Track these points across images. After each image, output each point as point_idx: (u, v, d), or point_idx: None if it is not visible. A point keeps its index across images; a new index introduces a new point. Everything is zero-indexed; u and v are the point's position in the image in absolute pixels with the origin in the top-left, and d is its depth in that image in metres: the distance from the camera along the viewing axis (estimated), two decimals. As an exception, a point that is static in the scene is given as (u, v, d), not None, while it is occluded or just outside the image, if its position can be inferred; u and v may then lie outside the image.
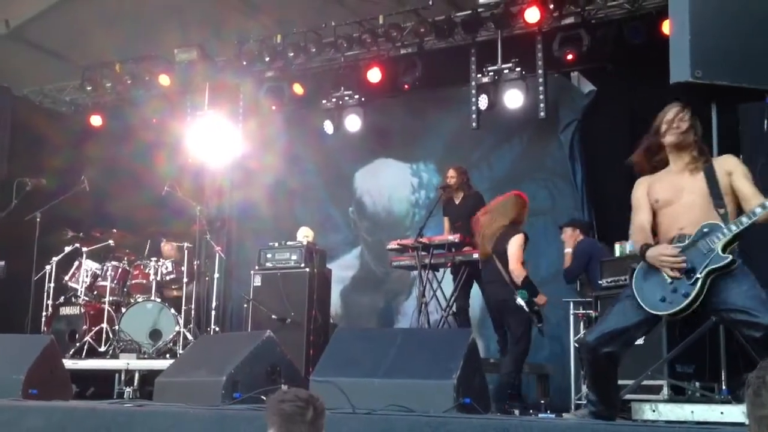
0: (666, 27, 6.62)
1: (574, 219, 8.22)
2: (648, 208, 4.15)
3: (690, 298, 3.83)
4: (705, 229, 3.92)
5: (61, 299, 8.75)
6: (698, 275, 3.82)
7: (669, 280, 3.91)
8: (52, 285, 8.72)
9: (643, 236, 4.10)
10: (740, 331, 3.89)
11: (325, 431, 2.83)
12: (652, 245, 4.02)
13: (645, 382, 5.51)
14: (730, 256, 3.81)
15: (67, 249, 8.87)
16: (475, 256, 7.27)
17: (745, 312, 3.73)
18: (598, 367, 4.14)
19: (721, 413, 4.08)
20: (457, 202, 7.99)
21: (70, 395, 5.89)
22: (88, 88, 10.81)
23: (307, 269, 7.86)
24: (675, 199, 4.05)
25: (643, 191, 4.21)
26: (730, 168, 4.02)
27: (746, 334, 3.78)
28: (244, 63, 9.93)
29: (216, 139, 10.13)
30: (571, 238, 7.75)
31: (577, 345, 6.65)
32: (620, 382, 5.25)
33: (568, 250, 7.67)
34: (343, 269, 10.16)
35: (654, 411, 4.32)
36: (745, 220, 3.81)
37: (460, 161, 8.79)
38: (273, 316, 7.65)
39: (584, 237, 7.78)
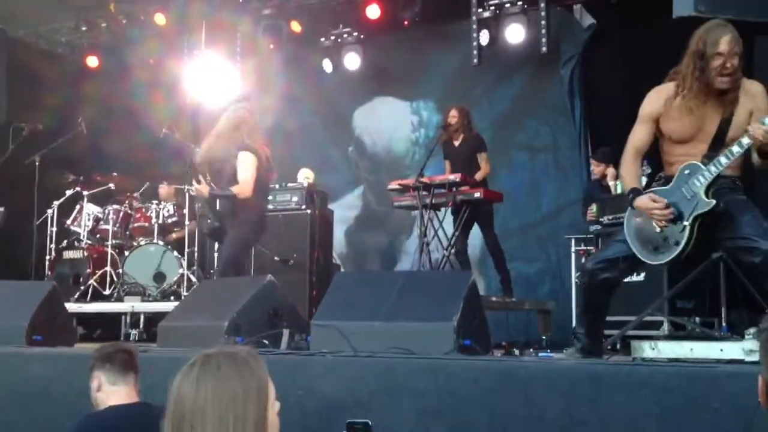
0: (670, -42, 6.45)
1: (603, 151, 8.03)
2: (649, 131, 4.04)
3: (681, 246, 3.85)
4: (686, 171, 3.89)
5: (64, 243, 8.78)
6: (686, 222, 3.83)
7: (659, 229, 3.92)
8: (54, 229, 8.74)
9: (632, 171, 4.07)
10: (740, 259, 3.89)
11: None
12: (639, 191, 4.00)
13: (645, 319, 5.54)
14: (714, 201, 3.78)
15: (68, 193, 8.86)
16: (477, 195, 7.25)
17: (745, 238, 3.74)
18: (594, 292, 4.17)
19: (721, 350, 4.08)
20: (456, 144, 7.92)
21: (75, 340, 5.95)
22: (84, 29, 10.67)
23: (309, 211, 7.84)
24: (691, 138, 3.95)
25: (653, 111, 4.01)
26: (753, 107, 3.84)
27: (746, 260, 3.79)
28: (241, 0, 9.75)
29: (214, 79, 10.01)
30: (600, 172, 7.64)
31: (577, 281, 6.68)
32: (622, 318, 5.32)
33: (612, 182, 7.41)
34: (345, 209, 10.17)
35: (653, 349, 4.33)
36: (723, 160, 3.75)
37: (461, 99, 8.70)
38: (275, 258, 7.67)
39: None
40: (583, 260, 7.00)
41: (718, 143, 3.87)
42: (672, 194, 3.93)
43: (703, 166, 3.84)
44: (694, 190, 3.83)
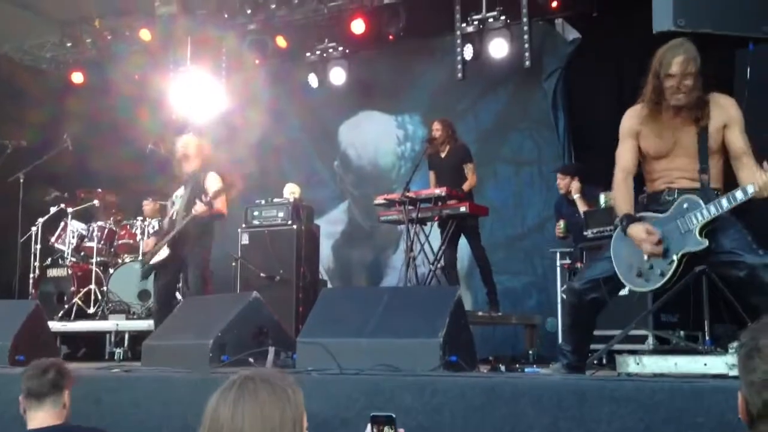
0: (651, -27, 6.51)
1: (568, 165, 8.09)
2: (633, 149, 4.08)
3: (666, 278, 3.86)
4: (684, 205, 3.89)
5: (48, 261, 8.74)
6: (674, 257, 3.83)
7: (646, 257, 3.92)
8: (38, 246, 8.70)
9: (624, 195, 4.07)
10: (725, 273, 3.91)
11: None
12: (633, 217, 3.99)
13: (630, 333, 5.55)
14: (706, 242, 3.79)
15: (53, 210, 8.81)
16: (462, 209, 7.27)
17: (729, 252, 3.77)
18: (580, 313, 4.18)
19: (705, 365, 4.10)
20: (443, 155, 7.95)
21: (58, 360, 5.88)
22: (68, 45, 10.68)
23: (295, 226, 7.83)
24: (667, 152, 3.99)
25: (630, 129, 4.09)
26: (726, 120, 3.90)
27: (730, 274, 3.81)
28: (226, 16, 9.78)
29: (199, 94, 10.01)
30: (565, 185, 7.62)
31: (564, 295, 6.69)
32: (606, 332, 5.33)
33: (577, 195, 7.43)
34: (331, 224, 10.18)
35: (638, 364, 4.34)
36: (725, 204, 3.76)
37: (446, 112, 8.74)
38: (261, 274, 7.65)
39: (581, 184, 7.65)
40: (567, 278, 7.01)
41: (702, 156, 3.90)
42: (666, 224, 3.93)
43: (702, 204, 3.84)
44: (689, 227, 3.84)
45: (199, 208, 6.18)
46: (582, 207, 7.27)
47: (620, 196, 4.11)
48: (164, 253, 6.41)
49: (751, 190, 3.73)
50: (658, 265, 3.88)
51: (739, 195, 3.75)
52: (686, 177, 3.96)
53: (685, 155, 3.95)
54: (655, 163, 4.05)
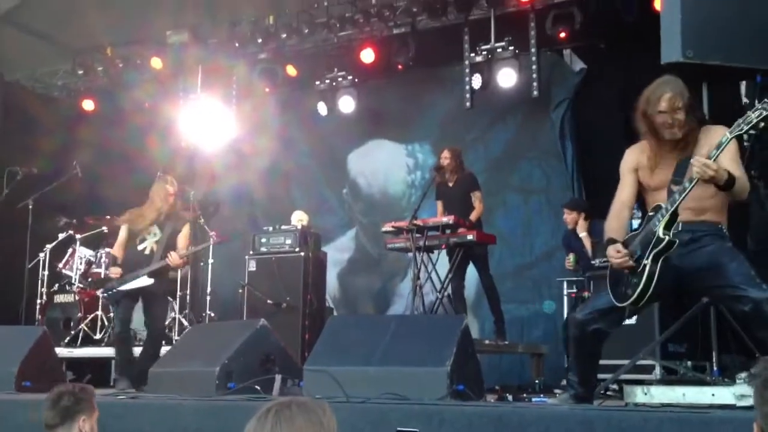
0: (658, 3, 6.57)
1: (576, 200, 8.09)
2: (631, 184, 4.16)
3: (639, 286, 3.85)
4: (651, 213, 3.97)
5: (56, 287, 8.75)
6: (645, 261, 3.85)
7: (627, 271, 3.97)
8: (46, 272, 8.72)
9: (614, 224, 4.14)
10: (730, 307, 3.93)
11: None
12: (612, 240, 4.05)
13: (637, 363, 5.53)
14: (666, 237, 3.79)
15: (61, 236, 8.85)
16: (470, 237, 7.27)
17: (734, 287, 3.75)
18: (584, 344, 4.18)
19: (712, 395, 4.09)
20: (450, 185, 7.97)
21: (65, 386, 5.88)
22: (80, 72, 10.76)
23: (302, 253, 7.83)
24: (663, 185, 4.02)
25: (629, 166, 4.18)
26: (711, 144, 3.86)
27: (735, 308, 3.81)
28: (237, 45, 9.87)
29: (209, 122, 10.09)
30: (572, 220, 7.61)
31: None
32: (614, 362, 5.31)
33: (584, 234, 7.41)
34: (339, 251, 10.17)
35: (646, 394, 4.33)
36: (676, 197, 3.78)
37: (456, 141, 8.78)
38: (268, 301, 7.65)
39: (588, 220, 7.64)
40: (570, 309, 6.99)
41: (678, 172, 3.94)
42: (638, 236, 4.00)
43: (663, 205, 3.89)
44: (654, 229, 3.87)
45: (175, 260, 6.60)
46: (589, 245, 7.27)
47: (611, 224, 4.18)
48: (144, 281, 6.59)
49: (694, 176, 3.71)
50: (635, 276, 3.91)
51: (686, 184, 3.75)
52: (683, 207, 3.94)
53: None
54: (653, 194, 4.10)
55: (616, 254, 3.97)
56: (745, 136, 3.72)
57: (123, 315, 6.71)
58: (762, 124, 3.60)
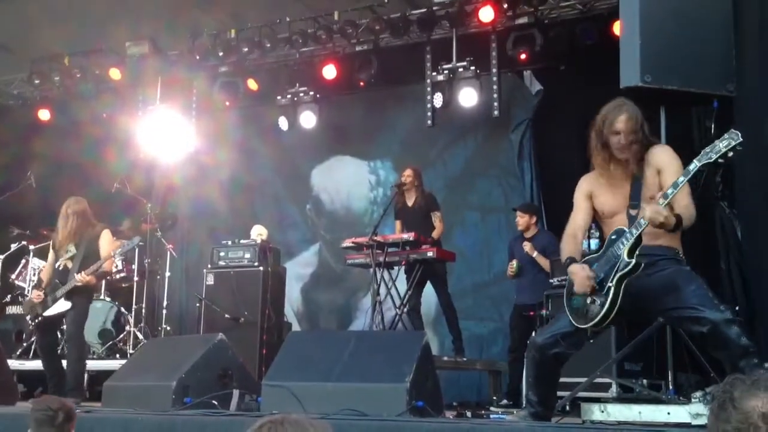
0: (617, 28, 6.70)
1: (529, 204, 8.16)
2: (585, 210, 4.25)
3: (605, 308, 3.89)
4: (613, 236, 4.02)
5: (8, 298, 8.57)
6: (609, 284, 3.90)
7: (588, 297, 4.00)
8: (-2, 284, 8.54)
9: (570, 246, 4.20)
10: (687, 328, 3.97)
11: None
12: (573, 259, 4.11)
13: (594, 380, 5.58)
14: (633, 261, 3.85)
15: (14, 247, 8.68)
16: (429, 254, 7.30)
17: (692, 308, 3.80)
18: (544, 367, 4.20)
19: (668, 413, 4.15)
20: (410, 204, 8.01)
21: (17, 399, 5.77)
22: (36, 82, 10.54)
23: (261, 268, 7.79)
24: (618, 210, 4.11)
25: (583, 193, 4.28)
26: (660, 165, 4.02)
27: (693, 330, 3.85)
28: (197, 57, 9.79)
29: (168, 134, 9.98)
30: (524, 223, 7.67)
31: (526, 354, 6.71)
32: (570, 380, 5.35)
33: (535, 254, 7.42)
34: (302, 266, 10.14)
35: (603, 411, 4.38)
36: (642, 222, 3.84)
37: (417, 159, 8.84)
38: (226, 316, 7.59)
39: (539, 228, 7.72)
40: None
41: (634, 195, 4.04)
42: (600, 259, 4.05)
43: (626, 230, 3.94)
44: (617, 253, 3.93)
45: (83, 279, 6.38)
46: (543, 263, 7.35)
47: (566, 245, 4.24)
48: (62, 306, 6.49)
49: (642, 222, 3.81)
50: (598, 298, 3.95)
51: (641, 222, 3.83)
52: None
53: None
54: (608, 221, 4.17)
55: (581, 271, 3.99)
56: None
57: (47, 343, 6.68)
58: (730, 153, 3.69)
